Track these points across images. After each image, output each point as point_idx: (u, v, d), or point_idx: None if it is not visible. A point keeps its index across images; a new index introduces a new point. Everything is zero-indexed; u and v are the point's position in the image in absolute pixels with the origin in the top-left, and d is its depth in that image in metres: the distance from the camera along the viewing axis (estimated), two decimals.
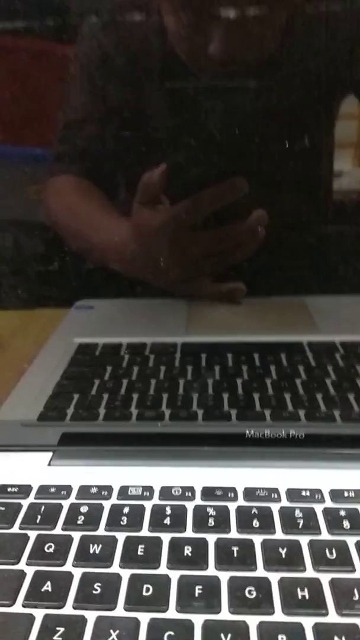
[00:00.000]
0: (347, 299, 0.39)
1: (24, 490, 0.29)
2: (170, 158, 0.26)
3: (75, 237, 0.29)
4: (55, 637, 0.21)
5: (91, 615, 0.22)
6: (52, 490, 0.29)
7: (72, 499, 0.29)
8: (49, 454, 0.32)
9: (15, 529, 0.27)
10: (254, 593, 0.23)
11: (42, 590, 0.23)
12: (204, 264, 0.30)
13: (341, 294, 0.38)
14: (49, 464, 0.32)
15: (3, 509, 0.28)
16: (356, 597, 0.22)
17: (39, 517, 0.27)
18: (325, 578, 0.23)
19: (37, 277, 0.32)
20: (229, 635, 0.21)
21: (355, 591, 0.23)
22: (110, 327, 0.38)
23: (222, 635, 0.21)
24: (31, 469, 0.31)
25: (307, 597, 0.22)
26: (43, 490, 0.29)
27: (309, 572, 0.24)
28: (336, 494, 0.28)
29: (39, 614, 0.22)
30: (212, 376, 0.38)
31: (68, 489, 0.29)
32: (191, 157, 0.27)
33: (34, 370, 0.40)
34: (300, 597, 0.22)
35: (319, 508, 0.27)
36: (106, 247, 0.29)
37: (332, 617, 0.22)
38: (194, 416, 0.35)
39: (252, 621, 0.22)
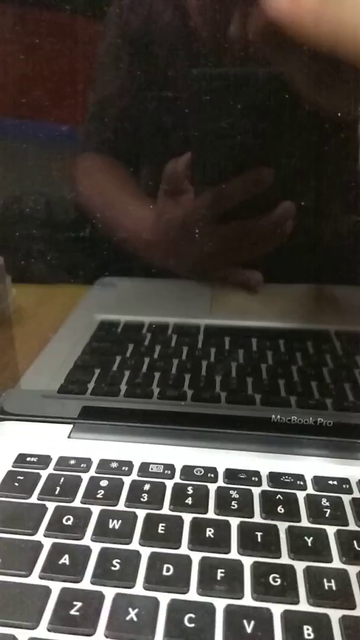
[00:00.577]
0: None
1: (43, 460, 0.29)
2: (197, 145, 0.26)
3: (102, 218, 0.29)
4: (72, 612, 0.20)
5: (109, 592, 0.21)
6: (72, 462, 0.28)
7: (92, 472, 0.28)
8: (69, 427, 0.32)
9: (33, 499, 0.26)
10: (279, 580, 0.22)
11: (60, 562, 0.23)
12: (227, 255, 0.29)
13: None
14: (69, 437, 0.31)
15: (22, 478, 0.27)
16: None
17: (58, 488, 0.27)
18: (353, 570, 0.22)
19: (60, 253, 0.31)
20: (252, 622, 0.20)
21: None
22: (132, 306, 0.37)
23: (245, 622, 0.20)
24: (51, 440, 0.31)
25: (334, 588, 0.22)
26: (62, 462, 0.28)
27: (336, 563, 0.23)
28: None
29: (55, 586, 0.22)
30: (236, 359, 0.37)
31: (88, 462, 0.28)
32: (219, 145, 0.26)
33: (55, 343, 0.39)
34: (327, 587, 0.22)
35: (346, 498, 0.26)
36: (131, 233, 0.29)
37: None
38: (217, 398, 0.34)
39: (276, 609, 0.21)
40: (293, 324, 0.38)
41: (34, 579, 0.22)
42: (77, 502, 0.26)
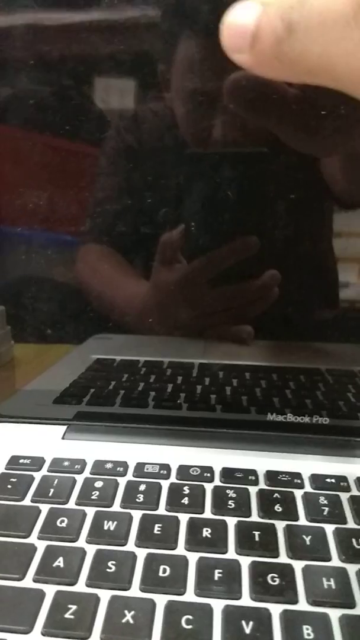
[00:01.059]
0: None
1: (37, 462, 0.28)
2: (187, 223, 0.29)
3: (99, 296, 0.33)
4: (67, 615, 0.20)
5: (105, 594, 0.21)
6: (66, 463, 0.28)
7: (87, 473, 0.27)
8: (63, 428, 0.31)
9: (26, 502, 0.26)
10: (277, 580, 0.21)
11: (54, 565, 0.22)
12: (218, 315, 0.32)
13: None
14: (63, 438, 0.31)
15: (15, 480, 0.27)
16: None
17: (52, 490, 0.26)
18: (352, 569, 0.22)
19: (59, 317, 0.33)
20: (251, 623, 0.20)
21: None
22: (127, 350, 0.36)
23: (244, 622, 0.20)
24: (44, 441, 0.30)
25: (333, 587, 0.21)
26: (56, 464, 0.28)
27: (335, 562, 0.22)
28: None
29: (49, 590, 0.21)
30: (230, 384, 0.36)
31: (82, 463, 0.28)
32: (206, 222, 0.29)
33: (52, 371, 0.38)
34: (326, 587, 0.21)
35: (344, 496, 0.26)
36: (127, 304, 0.32)
37: None
38: (212, 408, 0.33)
39: (275, 609, 0.20)
40: (285, 364, 0.37)
41: (27, 582, 0.22)
42: (71, 504, 0.25)
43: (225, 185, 0.28)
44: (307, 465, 0.28)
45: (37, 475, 0.27)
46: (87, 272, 0.32)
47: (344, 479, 0.27)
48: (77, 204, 0.30)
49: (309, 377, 0.34)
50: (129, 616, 0.20)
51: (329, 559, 0.23)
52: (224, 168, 0.28)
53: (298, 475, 0.27)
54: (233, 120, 0.27)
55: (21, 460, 0.28)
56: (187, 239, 0.29)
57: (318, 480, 0.27)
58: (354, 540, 0.23)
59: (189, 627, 0.20)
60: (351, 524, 0.24)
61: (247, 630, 0.19)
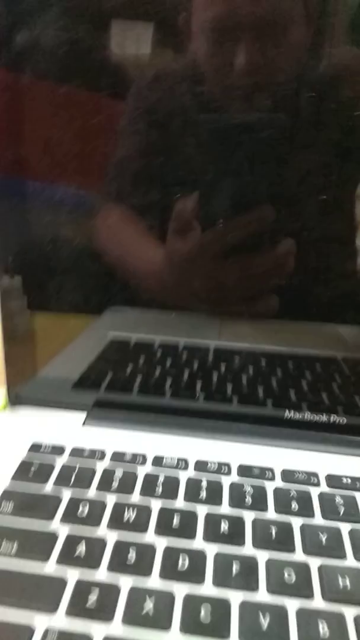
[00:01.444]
0: None
1: (57, 451, 0.29)
2: (204, 190, 0.29)
3: (118, 257, 0.33)
4: (89, 603, 0.21)
5: (125, 582, 0.22)
6: (86, 453, 0.29)
7: (107, 462, 0.28)
8: (83, 414, 0.32)
9: (48, 488, 0.26)
10: (294, 577, 0.22)
11: (75, 553, 0.23)
12: (234, 288, 0.31)
13: None
14: (83, 424, 0.31)
15: (35, 468, 0.27)
16: None
17: (73, 478, 0.27)
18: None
19: (77, 286, 0.33)
20: (268, 617, 0.20)
21: None
22: (143, 327, 0.37)
23: (261, 616, 0.20)
24: (65, 429, 0.31)
25: (349, 587, 0.22)
26: (76, 453, 0.29)
27: (350, 561, 0.23)
28: None
29: (72, 575, 0.22)
30: (247, 372, 0.36)
31: (102, 453, 0.29)
32: (223, 189, 0.29)
33: (68, 352, 0.39)
34: (341, 586, 0.22)
35: (359, 496, 0.26)
36: (143, 272, 0.32)
37: None
38: (230, 399, 0.33)
39: (292, 605, 0.21)
40: (301, 350, 0.37)
41: (50, 567, 0.22)
42: (92, 492, 0.26)
43: (243, 150, 0.28)
44: (323, 463, 0.29)
45: (59, 462, 0.28)
46: (106, 236, 0.32)
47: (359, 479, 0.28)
48: (97, 162, 0.30)
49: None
50: (151, 604, 0.21)
51: (344, 558, 0.23)
52: (243, 133, 0.28)
53: (314, 474, 0.28)
54: (260, 49, 0.26)
55: (43, 447, 0.29)
56: (202, 207, 0.29)
57: (334, 480, 0.27)
58: None
59: (208, 619, 0.20)
60: None
61: (264, 624, 0.20)
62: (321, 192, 0.29)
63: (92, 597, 0.21)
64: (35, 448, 0.29)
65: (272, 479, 0.27)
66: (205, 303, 0.32)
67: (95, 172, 0.31)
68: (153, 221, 0.31)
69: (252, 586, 0.22)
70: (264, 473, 0.28)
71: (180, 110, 0.28)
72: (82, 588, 0.21)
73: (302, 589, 0.22)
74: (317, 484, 0.27)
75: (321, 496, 0.26)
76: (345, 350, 0.34)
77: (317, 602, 0.21)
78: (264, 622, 0.20)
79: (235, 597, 0.21)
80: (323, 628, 0.20)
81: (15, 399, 0.34)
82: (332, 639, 0.20)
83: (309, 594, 0.21)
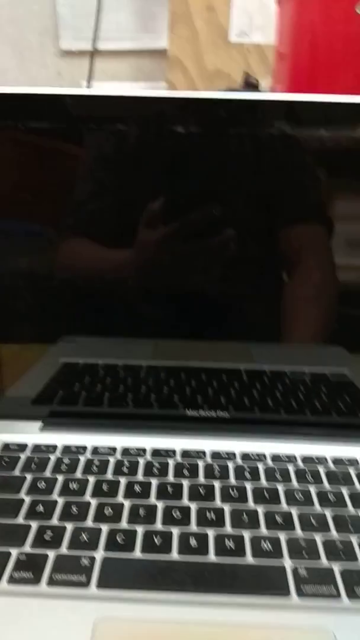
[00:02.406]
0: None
1: (22, 447, 0.40)
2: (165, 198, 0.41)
3: (88, 269, 0.43)
4: (45, 537, 0.32)
5: (69, 526, 0.33)
6: (43, 448, 0.40)
7: (58, 454, 0.40)
8: (39, 423, 0.44)
9: (16, 473, 0.38)
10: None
11: (37, 510, 0.34)
12: (190, 266, 0.43)
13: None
14: (41, 430, 0.43)
15: (7, 460, 0.39)
16: None
17: (34, 465, 0.38)
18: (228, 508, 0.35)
19: (34, 320, 0.44)
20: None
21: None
22: (90, 352, 0.47)
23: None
24: (27, 433, 0.42)
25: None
26: (36, 448, 0.40)
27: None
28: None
29: (34, 525, 0.33)
30: (168, 384, 0.48)
31: (54, 447, 0.40)
32: (178, 200, 0.41)
33: (25, 377, 0.49)
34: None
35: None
36: (112, 267, 0.43)
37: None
38: (151, 405, 0.45)
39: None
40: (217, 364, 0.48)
41: (19, 520, 0.34)
42: (47, 474, 0.38)
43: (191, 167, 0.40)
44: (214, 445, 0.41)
45: (23, 456, 0.39)
46: (71, 254, 0.42)
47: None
48: (58, 200, 0.40)
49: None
50: (84, 536, 0.33)
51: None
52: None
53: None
54: None
55: (11, 446, 0.40)
56: (164, 209, 0.40)
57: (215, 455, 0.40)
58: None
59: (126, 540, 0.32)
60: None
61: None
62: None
63: (48, 534, 0.33)
64: (5, 448, 0.41)
65: (174, 457, 0.40)
66: (168, 280, 0.43)
67: (52, 207, 0.41)
68: (119, 230, 0.42)
69: (152, 522, 0.34)
70: (167, 454, 0.40)
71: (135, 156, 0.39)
72: (41, 530, 0.33)
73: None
74: (203, 458, 0.40)
75: (205, 466, 0.39)
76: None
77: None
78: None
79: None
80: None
81: None
82: None
83: (187, 525, 0.34)
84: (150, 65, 1.10)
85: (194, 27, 0.98)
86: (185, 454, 0.40)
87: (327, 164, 0.41)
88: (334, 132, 0.39)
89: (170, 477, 0.38)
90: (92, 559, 0.31)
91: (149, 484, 0.37)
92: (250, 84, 0.76)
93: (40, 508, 0.35)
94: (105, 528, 0.33)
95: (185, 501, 0.36)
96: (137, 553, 0.32)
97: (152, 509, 0.35)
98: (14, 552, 0.31)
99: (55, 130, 0.39)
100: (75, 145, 0.40)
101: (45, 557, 0.31)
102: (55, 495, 0.36)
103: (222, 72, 0.96)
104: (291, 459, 0.40)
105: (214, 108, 0.39)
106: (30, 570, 0.30)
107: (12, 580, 0.30)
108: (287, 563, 0.31)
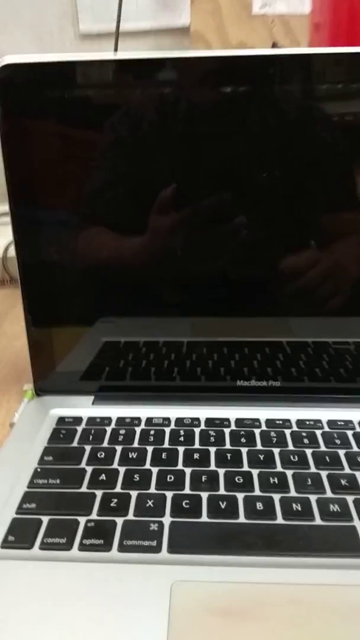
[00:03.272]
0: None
1: (78, 420, 0.41)
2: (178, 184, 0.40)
3: (105, 256, 0.43)
4: (111, 504, 0.32)
5: (134, 493, 0.33)
6: (98, 420, 0.40)
7: (113, 425, 0.40)
8: (91, 397, 0.44)
9: (74, 444, 0.38)
10: (241, 479, 0.34)
11: (99, 479, 0.35)
12: (203, 253, 0.42)
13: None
14: (93, 404, 0.43)
15: (65, 432, 0.39)
16: None
17: (91, 436, 0.39)
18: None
19: (70, 303, 0.44)
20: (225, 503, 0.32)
21: None
22: (129, 331, 0.47)
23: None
24: (80, 407, 0.43)
25: (276, 481, 0.34)
26: (91, 420, 0.40)
27: (279, 468, 0.35)
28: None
29: (98, 493, 0.34)
30: (211, 357, 0.48)
31: (109, 419, 0.40)
32: (191, 189, 0.40)
33: (72, 356, 0.49)
34: (271, 482, 0.34)
35: (287, 432, 0.39)
36: (130, 251, 0.42)
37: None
38: (199, 378, 0.45)
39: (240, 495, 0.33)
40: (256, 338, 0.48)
41: (84, 489, 0.34)
42: (105, 444, 0.38)
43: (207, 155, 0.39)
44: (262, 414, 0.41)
45: (79, 428, 0.40)
46: (91, 242, 0.42)
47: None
48: (80, 188, 0.40)
49: None
50: (150, 503, 0.33)
51: (275, 466, 0.35)
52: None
53: (257, 420, 0.40)
54: None
55: (66, 419, 0.41)
56: (176, 196, 0.40)
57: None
58: None
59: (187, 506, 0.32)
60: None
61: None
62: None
63: (114, 501, 0.33)
64: (61, 420, 0.41)
65: (229, 426, 0.40)
66: (183, 269, 0.42)
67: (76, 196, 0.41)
68: (133, 219, 0.41)
69: (215, 488, 0.34)
70: (222, 423, 0.40)
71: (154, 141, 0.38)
72: (106, 497, 0.33)
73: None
74: (259, 426, 0.39)
75: (261, 433, 0.39)
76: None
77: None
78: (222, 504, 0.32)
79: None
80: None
81: (39, 391, 0.45)
82: None
83: (251, 489, 0.33)
84: (171, 44, 1.08)
85: (217, 0, 0.96)
86: (240, 422, 0.40)
87: None
88: None
89: (228, 445, 0.38)
90: (161, 524, 0.31)
91: (207, 451, 0.37)
92: None
93: (103, 477, 0.35)
94: (169, 494, 0.33)
95: (245, 467, 0.35)
96: (204, 517, 0.32)
97: (213, 475, 0.35)
98: (82, 519, 0.32)
99: (74, 116, 0.39)
100: (90, 130, 0.40)
101: (114, 523, 0.31)
102: (115, 464, 0.36)
103: (246, 45, 0.94)
104: (348, 424, 0.40)
105: (235, 75, 0.38)
106: (100, 537, 0.31)
107: (82, 547, 0.30)
108: (358, 524, 0.31)
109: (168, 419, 0.41)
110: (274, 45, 0.81)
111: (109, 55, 0.38)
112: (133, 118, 0.39)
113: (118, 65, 0.38)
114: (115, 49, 0.89)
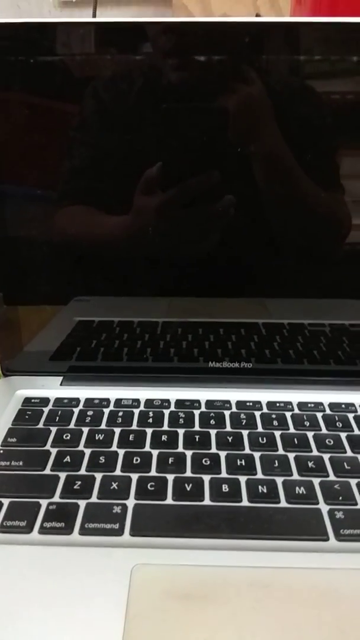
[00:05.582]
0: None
1: (45, 401, 0.40)
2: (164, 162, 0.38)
3: (86, 235, 0.41)
4: (75, 487, 0.32)
5: (98, 475, 0.33)
6: (65, 401, 0.39)
7: (81, 406, 0.39)
8: (60, 377, 0.43)
9: (40, 426, 0.37)
10: (208, 461, 0.34)
11: (64, 461, 0.34)
12: (188, 233, 0.41)
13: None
14: (61, 385, 0.42)
15: (30, 413, 0.38)
16: None
17: (57, 418, 0.38)
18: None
19: (45, 280, 0.43)
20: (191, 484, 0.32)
21: None
22: (103, 311, 0.46)
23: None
24: (47, 387, 0.42)
25: (243, 463, 0.34)
26: (59, 401, 0.39)
27: (247, 450, 0.35)
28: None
29: (62, 475, 0.33)
30: (185, 338, 0.47)
31: (77, 400, 0.40)
32: (178, 163, 0.39)
33: (42, 336, 0.48)
34: (237, 463, 0.33)
35: (258, 414, 0.38)
36: (113, 231, 0.40)
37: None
38: (171, 359, 0.44)
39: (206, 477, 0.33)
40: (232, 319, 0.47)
41: (47, 471, 0.33)
42: (71, 426, 0.37)
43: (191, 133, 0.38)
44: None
45: (46, 409, 0.39)
46: (70, 220, 0.40)
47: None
48: (58, 163, 0.38)
49: None
50: (114, 485, 0.32)
51: (243, 448, 0.35)
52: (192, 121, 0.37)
53: (227, 402, 0.40)
54: None
55: (33, 400, 0.40)
56: (163, 175, 0.38)
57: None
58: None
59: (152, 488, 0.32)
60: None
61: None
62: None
63: (77, 483, 0.32)
64: (27, 401, 0.40)
65: (199, 407, 0.39)
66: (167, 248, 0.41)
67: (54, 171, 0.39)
68: (116, 197, 0.40)
69: (182, 470, 0.33)
70: (192, 404, 0.39)
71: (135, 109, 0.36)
72: (70, 480, 0.32)
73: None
74: (229, 408, 0.39)
75: (231, 415, 0.38)
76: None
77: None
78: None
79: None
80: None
81: (7, 370, 0.44)
82: None
83: (218, 471, 0.33)
84: (153, 15, 1.05)
85: None
86: (210, 404, 0.39)
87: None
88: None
89: (197, 427, 0.37)
90: (124, 507, 0.31)
91: (176, 432, 0.36)
92: None
93: (67, 459, 0.34)
94: (134, 477, 0.33)
95: (213, 449, 0.35)
96: (169, 500, 0.31)
97: (180, 457, 0.34)
98: (44, 502, 0.31)
99: (51, 85, 0.37)
100: (72, 103, 0.38)
101: (76, 506, 0.31)
102: (81, 446, 0.35)
103: (230, 17, 0.92)
104: (318, 406, 0.39)
105: (221, 43, 0.36)
106: (61, 519, 0.30)
107: (43, 530, 0.29)
108: (323, 507, 0.30)
109: (137, 401, 0.40)
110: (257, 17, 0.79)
111: (84, 19, 0.36)
112: (106, 89, 0.37)
113: (95, 30, 0.36)
114: (94, 16, 0.85)
